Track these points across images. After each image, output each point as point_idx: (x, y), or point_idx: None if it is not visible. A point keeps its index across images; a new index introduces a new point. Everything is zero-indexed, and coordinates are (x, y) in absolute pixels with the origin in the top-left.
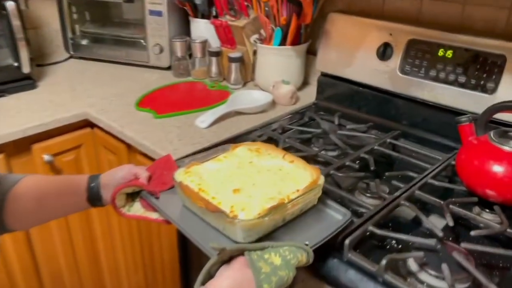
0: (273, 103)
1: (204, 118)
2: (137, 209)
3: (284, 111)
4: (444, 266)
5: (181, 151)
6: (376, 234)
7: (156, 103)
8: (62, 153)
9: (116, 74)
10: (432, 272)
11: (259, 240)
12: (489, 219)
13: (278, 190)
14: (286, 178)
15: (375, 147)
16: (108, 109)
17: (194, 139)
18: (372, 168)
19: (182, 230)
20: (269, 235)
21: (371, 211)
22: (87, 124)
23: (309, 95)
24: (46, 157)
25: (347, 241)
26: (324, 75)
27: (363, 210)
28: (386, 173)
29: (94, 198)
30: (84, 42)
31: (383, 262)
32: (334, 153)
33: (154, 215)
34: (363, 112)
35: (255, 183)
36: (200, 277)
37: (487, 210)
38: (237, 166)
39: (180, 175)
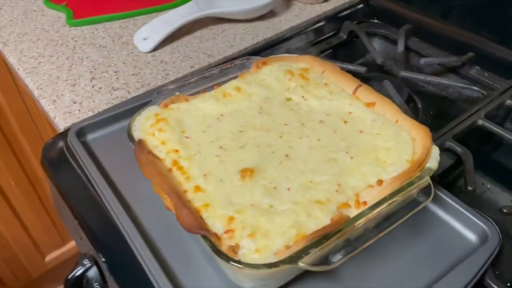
0: (285, 0)
1: (149, 32)
2: None
3: (304, 16)
4: None
5: (91, 107)
6: None
7: None
8: None
9: None
10: None
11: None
12: None
13: (336, 176)
14: (356, 143)
15: (479, 122)
16: None
17: (126, 78)
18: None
19: (127, 237)
20: (311, 274)
21: None
22: None
23: None
24: None
25: None
26: None
27: None
28: None
29: None
30: None
31: None
32: None
33: None
34: (455, 27)
35: (290, 155)
36: None
37: None
38: (259, 107)
39: (144, 121)
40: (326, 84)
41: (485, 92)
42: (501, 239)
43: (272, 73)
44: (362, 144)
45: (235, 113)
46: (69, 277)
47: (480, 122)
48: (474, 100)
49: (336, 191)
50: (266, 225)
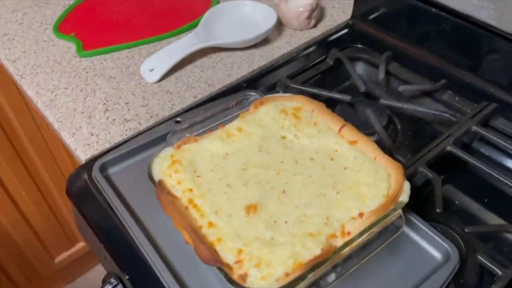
0: (277, 28)
1: (155, 63)
2: None
3: (294, 42)
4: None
5: (107, 138)
6: None
7: (86, 22)
8: None
9: None
10: None
11: None
12: None
13: (325, 210)
14: (341, 178)
15: (447, 148)
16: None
17: (136, 110)
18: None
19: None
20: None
21: None
22: None
23: (341, 11)
24: None
25: None
26: None
27: None
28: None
29: None
30: None
31: None
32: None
33: None
34: (430, 53)
35: (286, 190)
36: None
37: None
38: (258, 146)
39: (161, 163)
40: (315, 123)
41: (454, 119)
42: (461, 258)
43: (269, 113)
44: (346, 180)
45: (238, 151)
46: None
47: (448, 148)
48: (446, 122)
49: (325, 224)
50: (269, 256)
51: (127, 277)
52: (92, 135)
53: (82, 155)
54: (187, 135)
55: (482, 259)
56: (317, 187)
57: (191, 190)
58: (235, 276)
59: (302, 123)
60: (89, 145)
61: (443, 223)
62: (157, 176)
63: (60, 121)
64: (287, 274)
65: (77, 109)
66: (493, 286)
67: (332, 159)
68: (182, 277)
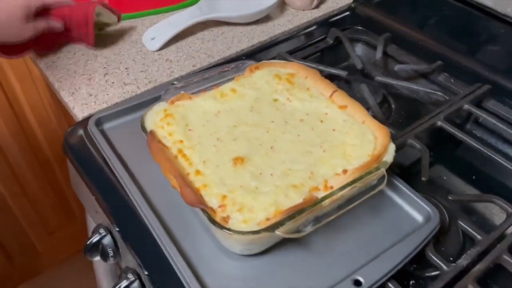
0: (280, 6)
1: (156, 32)
2: None
3: (296, 21)
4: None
5: (105, 99)
6: None
7: None
8: None
9: None
10: None
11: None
12: None
13: (310, 166)
14: (329, 139)
15: (438, 124)
16: None
17: (135, 75)
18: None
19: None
20: (287, 243)
21: None
22: None
23: None
24: None
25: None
26: None
27: None
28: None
29: None
30: None
31: None
32: None
33: None
34: (429, 37)
35: (274, 147)
36: None
37: None
38: (250, 106)
39: (154, 116)
40: (308, 88)
41: (447, 97)
42: (443, 221)
43: (263, 77)
44: (334, 140)
45: (230, 110)
46: (88, 243)
47: (439, 123)
48: (440, 104)
49: (309, 177)
50: (252, 203)
51: (117, 228)
52: (90, 95)
53: (80, 113)
54: (182, 92)
55: (463, 225)
56: (304, 145)
57: (181, 141)
58: (217, 218)
59: (295, 88)
60: (87, 104)
61: (429, 195)
62: (149, 127)
63: (60, 81)
64: (268, 219)
65: (77, 71)
66: (471, 249)
67: (321, 121)
68: (170, 227)
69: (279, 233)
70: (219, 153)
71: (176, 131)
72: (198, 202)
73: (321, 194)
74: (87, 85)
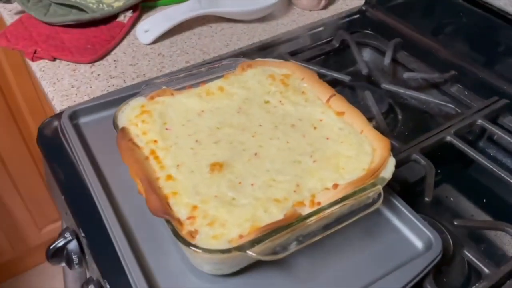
0: (285, 4)
1: (150, 25)
2: None
3: (301, 21)
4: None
5: (87, 92)
6: None
7: None
8: None
9: None
10: None
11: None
12: None
13: (296, 177)
14: (321, 148)
15: (447, 138)
16: None
17: (123, 68)
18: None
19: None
20: (266, 264)
21: None
22: None
23: None
24: None
25: None
26: None
27: None
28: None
29: None
30: None
31: None
32: None
33: None
34: (443, 45)
35: (259, 153)
36: None
37: None
38: (238, 107)
39: (130, 111)
40: (303, 92)
41: (459, 110)
42: (447, 248)
43: (255, 76)
44: (327, 150)
45: (215, 110)
46: (51, 247)
47: (448, 138)
48: (452, 117)
49: (294, 191)
50: (225, 216)
51: (83, 234)
52: (72, 87)
53: (58, 105)
54: (164, 87)
55: (469, 255)
56: (293, 154)
57: (155, 141)
58: (183, 232)
59: (290, 90)
60: (67, 96)
61: (433, 217)
62: (122, 124)
63: (43, 71)
64: (241, 236)
65: (62, 61)
66: (477, 284)
67: (315, 128)
68: (136, 239)
69: (252, 253)
70: (196, 156)
71: (151, 129)
72: (162, 212)
73: (306, 210)
74: (71, 76)
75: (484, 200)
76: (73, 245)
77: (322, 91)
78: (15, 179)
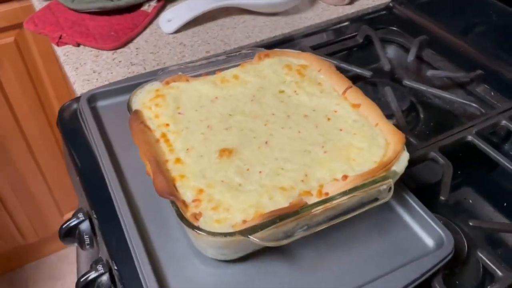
0: None
1: (174, 14)
2: None
3: (325, 16)
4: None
5: (108, 78)
6: None
7: None
8: None
9: None
10: None
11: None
12: None
13: (305, 167)
14: (333, 139)
15: (468, 138)
16: None
17: (144, 56)
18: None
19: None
20: (271, 252)
21: None
22: None
23: None
24: None
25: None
26: None
27: None
28: None
29: None
30: None
31: None
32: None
33: None
34: (471, 44)
35: (269, 142)
36: None
37: None
38: (252, 95)
39: (144, 95)
40: (319, 83)
41: (483, 110)
42: (461, 249)
43: (272, 66)
44: (338, 141)
45: (229, 97)
46: (64, 226)
47: (469, 138)
48: (476, 117)
49: (302, 180)
50: (230, 201)
51: (94, 215)
52: (94, 72)
53: (80, 89)
54: (180, 73)
55: (483, 256)
56: (303, 144)
57: (167, 125)
58: (187, 215)
59: (305, 80)
60: (88, 80)
61: (449, 218)
62: (136, 106)
63: (67, 55)
64: (244, 222)
65: (86, 47)
66: (489, 287)
67: (328, 119)
68: (143, 221)
69: (254, 238)
70: (206, 141)
71: (163, 113)
72: (167, 192)
73: (313, 200)
74: (93, 62)
75: (505, 204)
76: (85, 226)
77: (338, 83)
78: (40, 164)
